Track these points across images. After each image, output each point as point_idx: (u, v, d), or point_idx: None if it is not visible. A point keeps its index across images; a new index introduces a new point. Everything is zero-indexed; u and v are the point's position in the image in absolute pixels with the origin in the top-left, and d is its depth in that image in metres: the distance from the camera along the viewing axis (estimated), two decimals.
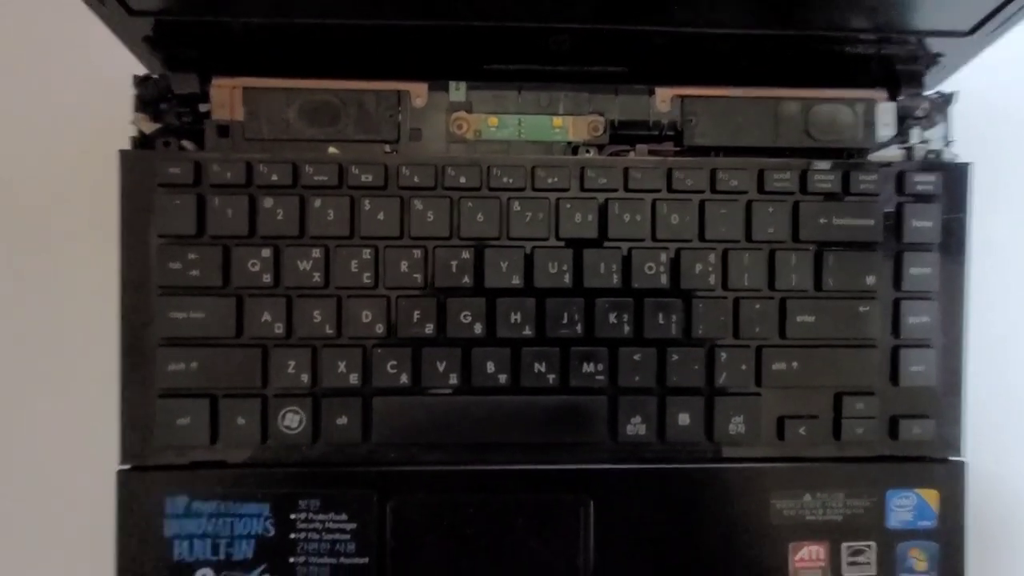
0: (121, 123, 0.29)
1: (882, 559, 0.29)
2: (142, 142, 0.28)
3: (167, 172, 0.27)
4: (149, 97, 0.28)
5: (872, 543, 0.29)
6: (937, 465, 0.29)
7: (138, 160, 0.28)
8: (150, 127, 0.28)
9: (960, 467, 0.29)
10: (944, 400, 0.29)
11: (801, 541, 0.29)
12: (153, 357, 0.27)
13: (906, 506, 0.29)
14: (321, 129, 0.28)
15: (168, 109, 0.29)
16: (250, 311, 0.27)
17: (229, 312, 0.27)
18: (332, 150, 0.28)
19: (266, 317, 0.27)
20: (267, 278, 0.27)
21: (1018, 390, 0.33)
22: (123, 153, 0.28)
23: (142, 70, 0.29)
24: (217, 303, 0.27)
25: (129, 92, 0.28)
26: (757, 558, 0.28)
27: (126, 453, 0.28)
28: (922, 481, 0.29)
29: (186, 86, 0.28)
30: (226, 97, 0.28)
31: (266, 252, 0.27)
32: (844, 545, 0.29)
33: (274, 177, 0.27)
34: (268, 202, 0.27)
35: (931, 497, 0.29)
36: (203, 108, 0.29)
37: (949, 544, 0.29)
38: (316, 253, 0.28)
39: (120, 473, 0.27)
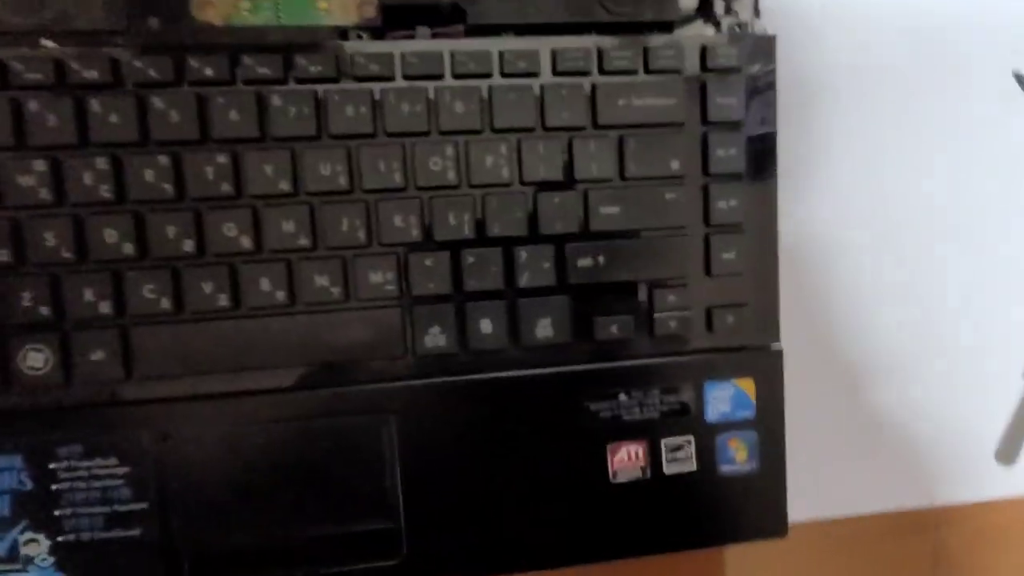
0: None
1: (702, 452, 0.28)
2: None
3: None
4: None
5: (691, 437, 0.28)
6: (754, 354, 0.28)
7: None
8: None
9: (777, 355, 0.29)
10: (759, 287, 0.28)
11: (619, 442, 0.28)
12: None
13: (723, 398, 0.28)
14: (31, 18, 0.24)
15: None
16: None
17: None
18: (46, 43, 0.24)
19: None
20: None
21: (831, 272, 0.33)
22: None
23: None
24: None
25: None
26: (575, 463, 0.27)
27: None
28: (739, 371, 0.28)
29: None
30: None
31: None
32: (663, 442, 0.28)
33: None
34: None
35: (748, 387, 0.28)
36: None
37: (768, 432, 0.28)
38: (39, 165, 0.24)
39: None
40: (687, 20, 0.28)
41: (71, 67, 0.24)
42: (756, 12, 0.28)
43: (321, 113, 0.25)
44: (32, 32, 0.24)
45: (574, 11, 0.27)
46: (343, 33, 0.26)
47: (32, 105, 0.23)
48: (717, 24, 0.28)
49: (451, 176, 0.26)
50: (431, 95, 0.25)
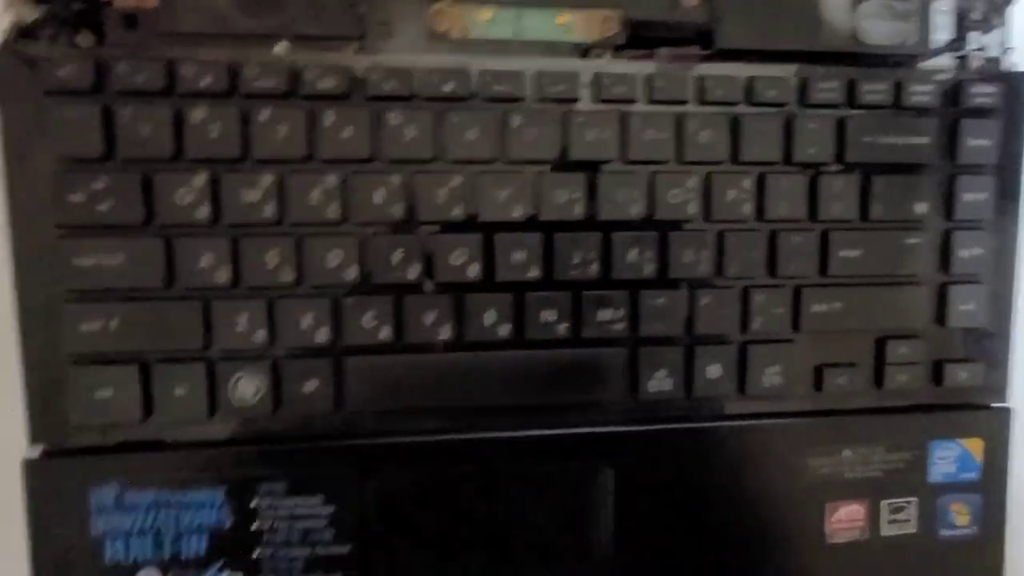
0: None
1: (922, 515, 0.26)
2: (21, 34, 0.21)
3: (56, 75, 0.21)
4: None
5: (913, 499, 0.26)
6: (981, 412, 0.27)
7: (16, 60, 0.21)
8: (30, 13, 0.21)
9: (1006, 414, 0.27)
10: (992, 342, 0.26)
11: (838, 501, 0.26)
12: (59, 315, 0.21)
13: (948, 458, 0.26)
14: (262, 21, 0.22)
15: None
16: (184, 254, 0.22)
17: (156, 256, 0.22)
18: (278, 48, 0.22)
19: (205, 262, 0.22)
20: (203, 212, 0.22)
21: None
22: None
23: None
24: (139, 245, 0.21)
25: None
26: (792, 522, 0.25)
27: (35, 435, 0.22)
28: (966, 430, 0.26)
29: None
30: None
31: (199, 179, 0.22)
32: (884, 503, 0.26)
33: (205, 82, 0.22)
34: (198, 114, 0.21)
35: (975, 447, 0.27)
36: None
37: (991, 496, 0.27)
38: (266, 180, 0.22)
39: (29, 461, 0.22)
40: (935, 53, 0.26)
41: (304, 77, 0.22)
42: (1005, 48, 0.26)
43: (562, 135, 0.23)
44: (265, 36, 0.22)
45: (824, 39, 0.25)
46: (583, 51, 0.24)
47: (262, 115, 0.22)
48: (963, 58, 0.26)
49: (691, 210, 0.24)
50: (676, 122, 0.24)
